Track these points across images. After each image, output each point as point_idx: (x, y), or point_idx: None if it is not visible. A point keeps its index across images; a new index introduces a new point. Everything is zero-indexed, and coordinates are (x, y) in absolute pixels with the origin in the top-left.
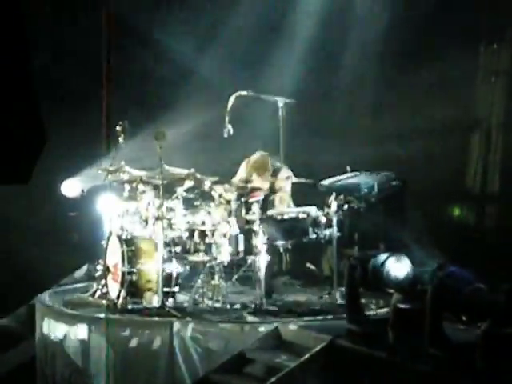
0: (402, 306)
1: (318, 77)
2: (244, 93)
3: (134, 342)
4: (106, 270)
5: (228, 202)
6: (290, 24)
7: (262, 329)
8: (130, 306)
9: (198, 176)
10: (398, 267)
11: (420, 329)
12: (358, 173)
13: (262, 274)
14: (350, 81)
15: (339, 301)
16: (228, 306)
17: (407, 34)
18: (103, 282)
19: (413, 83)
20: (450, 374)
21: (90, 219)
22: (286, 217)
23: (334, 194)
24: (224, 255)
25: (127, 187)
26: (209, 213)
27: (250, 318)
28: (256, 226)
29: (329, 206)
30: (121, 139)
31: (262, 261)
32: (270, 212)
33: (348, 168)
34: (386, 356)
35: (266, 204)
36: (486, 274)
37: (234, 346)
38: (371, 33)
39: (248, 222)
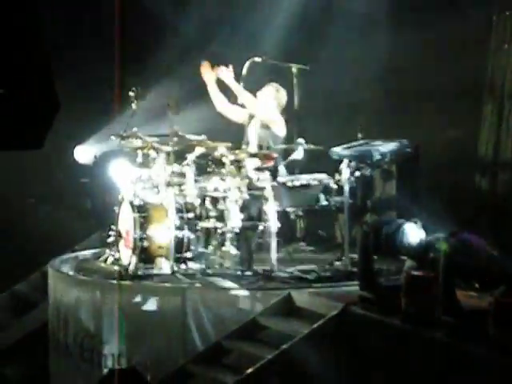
0: (415, 273)
1: (328, 42)
2: (258, 59)
3: (146, 309)
4: (118, 236)
5: (239, 168)
6: None
7: (275, 296)
8: (140, 272)
9: (209, 142)
10: (411, 234)
11: (433, 296)
12: (370, 140)
13: (273, 240)
14: (360, 44)
15: (350, 267)
16: (239, 273)
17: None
18: (115, 248)
19: (425, 49)
20: (463, 341)
21: (102, 185)
22: (297, 183)
23: (345, 161)
24: (235, 222)
25: (140, 153)
26: (221, 179)
27: (263, 285)
28: (267, 193)
29: (340, 173)
30: (134, 105)
31: (272, 227)
32: (280, 179)
33: (359, 135)
34: (398, 323)
35: (277, 170)
36: (499, 241)
37: (247, 313)
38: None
39: (259, 188)
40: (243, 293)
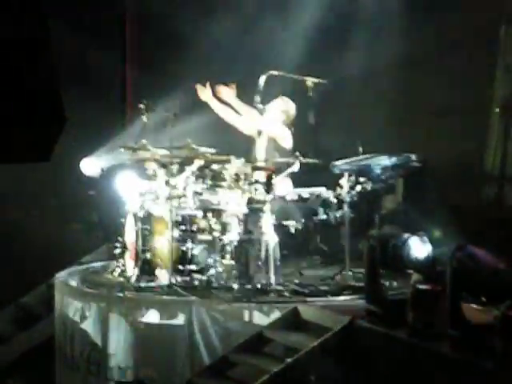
0: (422, 286)
1: (337, 56)
2: (275, 72)
3: (152, 322)
4: (125, 247)
5: (239, 181)
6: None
7: (281, 309)
8: (142, 284)
9: (209, 154)
10: (418, 248)
11: (439, 310)
12: (375, 154)
13: (270, 253)
14: (368, 59)
15: (350, 281)
16: (236, 286)
17: (426, 18)
18: (122, 259)
19: (434, 62)
20: (469, 355)
21: (109, 198)
22: (295, 197)
23: (346, 175)
24: (234, 235)
25: (150, 166)
26: (225, 192)
27: (269, 298)
28: (264, 206)
29: (341, 187)
30: (144, 117)
31: (270, 241)
32: (279, 193)
33: (360, 149)
34: (405, 337)
35: (270, 184)
36: (506, 255)
37: (253, 326)
38: (391, 11)
39: (256, 201)
40: (250, 306)
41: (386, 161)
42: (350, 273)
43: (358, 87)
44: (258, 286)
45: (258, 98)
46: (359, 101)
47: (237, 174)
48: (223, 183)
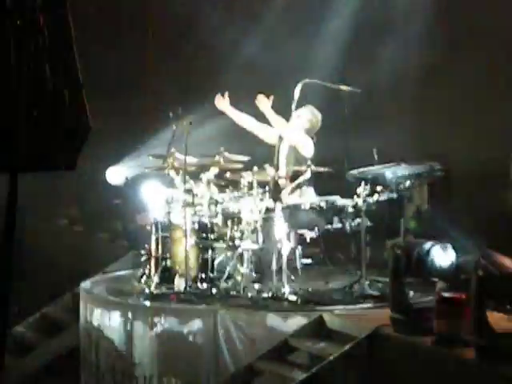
0: (447, 294)
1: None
2: (310, 80)
3: (177, 330)
4: (150, 255)
5: (251, 189)
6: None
7: (305, 317)
8: (159, 292)
9: (222, 162)
10: (443, 256)
11: (464, 318)
12: (396, 162)
13: (284, 261)
14: (394, 61)
15: (367, 290)
16: (253, 294)
17: (457, 24)
18: (147, 267)
19: (459, 65)
20: (495, 362)
21: (134, 206)
22: (308, 206)
23: (362, 183)
24: (251, 243)
25: (173, 174)
26: (242, 200)
27: (293, 307)
28: (277, 214)
29: (358, 196)
30: (174, 126)
31: (283, 249)
32: (292, 201)
33: (375, 157)
34: (430, 345)
35: (277, 192)
36: None
37: (278, 334)
38: (421, 20)
39: (270, 209)
40: (274, 314)
41: (403, 169)
42: (368, 281)
43: (382, 95)
44: (272, 294)
45: (293, 106)
46: (383, 108)
47: (251, 182)
48: (240, 191)
